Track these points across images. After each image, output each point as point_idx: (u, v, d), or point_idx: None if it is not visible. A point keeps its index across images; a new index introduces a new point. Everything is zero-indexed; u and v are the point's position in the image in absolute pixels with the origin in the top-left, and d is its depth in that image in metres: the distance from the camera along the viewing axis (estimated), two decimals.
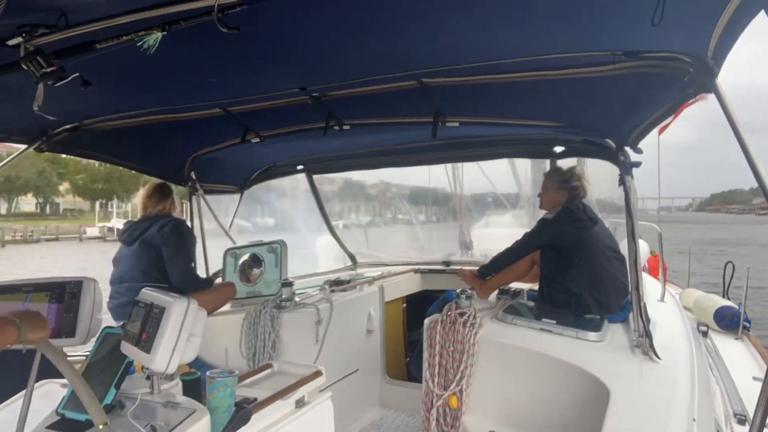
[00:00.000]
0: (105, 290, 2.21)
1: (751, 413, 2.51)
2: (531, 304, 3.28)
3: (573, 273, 3.01)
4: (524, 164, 6.11)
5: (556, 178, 3.31)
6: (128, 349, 1.60)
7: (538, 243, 3.25)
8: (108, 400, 1.55)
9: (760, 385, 1.39)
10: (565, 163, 3.82)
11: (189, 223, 3.88)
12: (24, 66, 1.46)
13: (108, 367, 1.65)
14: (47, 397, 1.79)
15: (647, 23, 1.53)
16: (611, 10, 1.55)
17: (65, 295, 1.83)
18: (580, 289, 2.97)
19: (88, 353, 1.95)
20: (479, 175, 6.94)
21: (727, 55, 1.62)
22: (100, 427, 1.25)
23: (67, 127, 2.73)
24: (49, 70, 1.46)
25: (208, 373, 1.67)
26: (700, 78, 1.73)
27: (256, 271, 3.60)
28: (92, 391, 1.32)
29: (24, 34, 1.45)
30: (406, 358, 4.53)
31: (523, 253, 3.32)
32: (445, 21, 1.62)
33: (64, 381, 1.20)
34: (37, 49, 1.46)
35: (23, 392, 1.81)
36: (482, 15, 1.58)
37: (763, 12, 1.30)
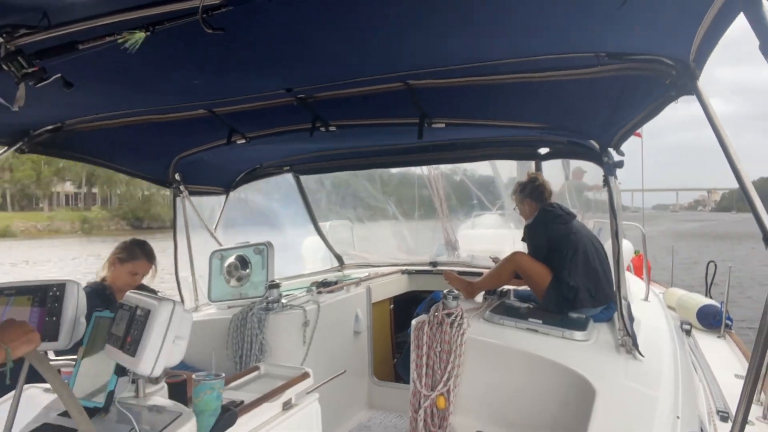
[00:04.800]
0: None
1: (733, 410, 2.55)
2: (518, 304, 3.30)
3: (569, 267, 3.06)
4: (509, 166, 6.16)
5: (517, 192, 3.48)
6: (113, 352, 1.58)
7: (536, 245, 3.30)
8: (111, 386, 1.56)
9: (742, 382, 1.41)
10: (548, 165, 3.88)
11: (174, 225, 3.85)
12: (4, 67, 1.43)
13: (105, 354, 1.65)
14: (30, 402, 1.76)
15: (630, 25, 1.55)
16: (594, 12, 1.56)
17: (48, 298, 1.80)
18: (577, 282, 3.02)
19: (69, 358, 1.93)
20: (462, 176, 6.99)
21: (708, 57, 1.64)
22: None
23: (49, 128, 2.69)
24: (30, 70, 1.43)
25: (194, 375, 1.66)
26: (682, 80, 1.76)
27: (242, 272, 3.58)
28: (78, 402, 1.30)
29: (4, 35, 1.43)
30: (393, 359, 4.53)
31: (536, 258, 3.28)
32: (430, 23, 1.63)
33: (47, 386, 1.18)
34: (18, 50, 1.44)
35: (2, 398, 1.79)
36: (468, 17, 1.59)
37: (742, 14, 1.32)
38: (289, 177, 4.71)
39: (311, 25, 1.64)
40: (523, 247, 3.42)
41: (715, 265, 6.08)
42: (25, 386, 1.84)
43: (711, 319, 4.87)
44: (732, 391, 3.20)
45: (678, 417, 2.05)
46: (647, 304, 3.74)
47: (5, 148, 2.73)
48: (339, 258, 5.25)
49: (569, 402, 2.35)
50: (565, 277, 3.04)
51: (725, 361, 4.08)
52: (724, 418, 2.82)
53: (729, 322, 4.86)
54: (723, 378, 3.47)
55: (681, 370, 2.54)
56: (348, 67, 2.10)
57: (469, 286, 3.46)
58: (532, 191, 3.40)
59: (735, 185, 1.46)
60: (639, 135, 8.26)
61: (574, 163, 6.43)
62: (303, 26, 1.65)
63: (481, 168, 6.84)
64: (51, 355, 2.42)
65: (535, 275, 3.17)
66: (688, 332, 4.46)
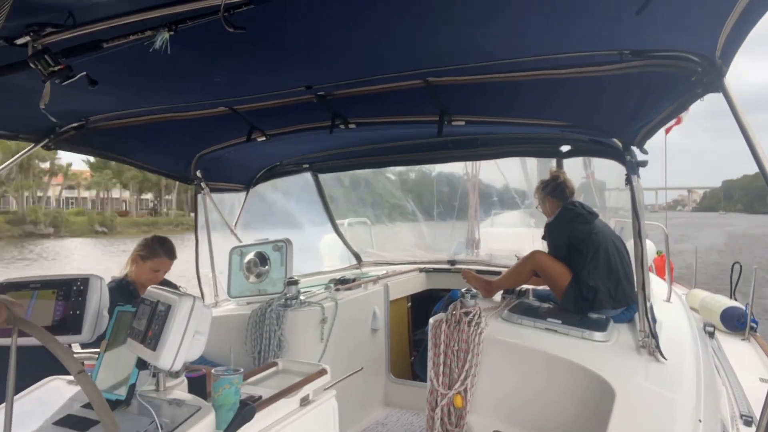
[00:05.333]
0: None
1: (757, 414, 2.50)
2: (536, 303, 3.27)
3: (588, 267, 3.02)
4: (533, 163, 6.11)
5: (539, 190, 3.45)
6: (134, 346, 1.60)
7: (556, 245, 3.26)
8: (132, 379, 1.59)
9: (767, 386, 1.38)
10: (568, 163, 3.83)
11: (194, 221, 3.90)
12: (31, 65, 1.46)
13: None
14: (54, 393, 1.80)
15: (654, 21, 1.52)
16: (618, 9, 1.54)
17: (72, 292, 1.84)
18: (596, 282, 2.98)
19: (92, 351, 1.96)
20: (492, 173, 6.94)
21: (735, 54, 1.61)
22: (77, 374, 1.27)
23: (74, 125, 2.74)
24: (56, 69, 1.46)
25: (213, 370, 1.67)
26: (708, 77, 1.73)
27: (261, 269, 3.61)
28: (65, 347, 1.34)
29: (32, 34, 1.46)
30: (410, 357, 4.53)
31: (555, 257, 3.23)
32: (451, 20, 1.62)
33: (70, 377, 1.20)
34: (45, 48, 1.47)
35: (27, 390, 1.83)
36: (488, 14, 1.57)
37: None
38: (307, 175, 4.74)
39: (331, 23, 1.65)
40: (543, 246, 3.39)
41: (741, 267, 5.96)
42: (49, 378, 1.89)
43: (735, 322, 4.77)
44: (756, 394, 3.13)
45: (700, 420, 2.01)
46: (669, 305, 3.68)
47: (32, 144, 2.79)
48: (357, 256, 5.26)
49: (588, 403, 2.32)
50: (585, 277, 3.00)
51: (750, 364, 4.00)
52: (748, 423, 2.77)
53: (754, 325, 4.76)
54: (747, 381, 3.40)
55: (703, 372, 2.50)
56: (367, 64, 2.11)
57: (488, 285, 3.45)
58: (554, 189, 3.37)
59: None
60: (667, 131, 8.11)
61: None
62: (323, 24, 1.66)
63: (511, 164, 6.79)
64: (75, 348, 2.47)
65: (554, 274, 3.14)
66: (711, 334, 4.39)
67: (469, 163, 6.14)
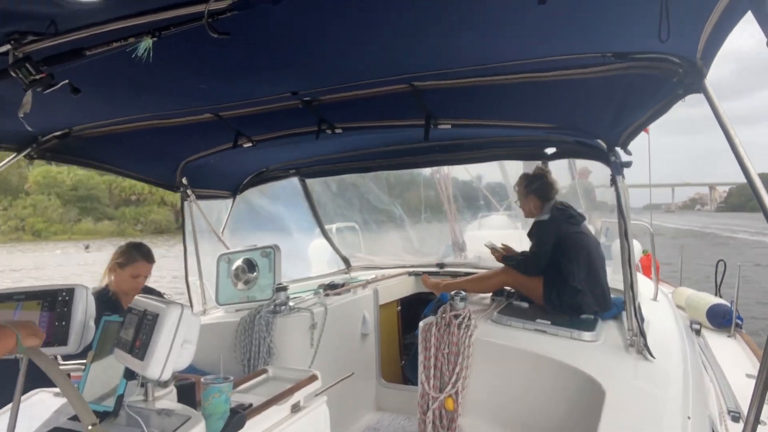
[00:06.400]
0: None
1: (745, 410, 2.53)
2: (525, 305, 3.29)
3: (575, 271, 3.04)
4: (515, 165, 6.14)
5: (522, 185, 3.43)
6: (121, 356, 1.59)
7: (544, 242, 3.23)
8: (120, 390, 1.57)
9: (753, 382, 1.40)
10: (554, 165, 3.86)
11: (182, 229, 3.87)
12: (12, 73, 1.45)
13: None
14: (39, 406, 1.77)
15: (636, 24, 1.54)
16: (600, 12, 1.56)
17: (57, 303, 1.81)
18: (582, 285, 3.00)
19: (79, 363, 1.94)
20: (468, 176, 6.98)
21: (715, 55, 1.63)
22: (89, 427, 1.25)
23: (57, 134, 2.71)
24: (38, 77, 1.45)
25: (202, 379, 1.66)
26: (689, 79, 1.75)
27: (249, 276, 3.59)
28: (82, 397, 1.31)
29: (12, 42, 1.45)
30: (401, 360, 4.52)
31: (544, 259, 3.19)
32: (435, 25, 1.63)
33: (57, 390, 1.18)
34: (26, 57, 1.46)
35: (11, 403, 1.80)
36: (473, 18, 1.58)
37: (750, 12, 1.31)
38: (294, 181, 4.72)
39: (316, 28, 1.65)
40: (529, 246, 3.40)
41: (725, 264, 6.03)
42: (35, 390, 1.86)
43: (721, 319, 4.83)
44: (743, 391, 3.17)
45: (689, 417, 2.03)
46: (656, 303, 3.72)
47: (14, 154, 2.75)
48: (346, 260, 5.25)
49: (578, 403, 2.34)
50: (570, 280, 3.02)
51: (736, 360, 4.05)
52: (736, 418, 2.80)
53: (739, 322, 4.82)
54: (734, 378, 3.45)
55: (691, 369, 2.52)
56: (353, 69, 2.11)
57: (435, 286, 3.66)
58: (540, 188, 3.35)
59: (741, 180, 1.44)
60: (647, 131, 8.19)
61: (580, 163, 6.40)
62: (308, 30, 1.66)
63: (489, 168, 6.83)
64: (60, 360, 2.43)
65: (528, 285, 3.22)
66: (697, 332, 4.43)
67: (438, 168, 6.14)
